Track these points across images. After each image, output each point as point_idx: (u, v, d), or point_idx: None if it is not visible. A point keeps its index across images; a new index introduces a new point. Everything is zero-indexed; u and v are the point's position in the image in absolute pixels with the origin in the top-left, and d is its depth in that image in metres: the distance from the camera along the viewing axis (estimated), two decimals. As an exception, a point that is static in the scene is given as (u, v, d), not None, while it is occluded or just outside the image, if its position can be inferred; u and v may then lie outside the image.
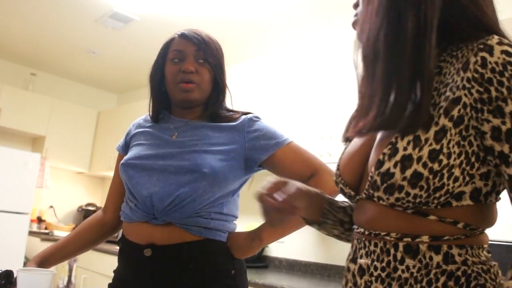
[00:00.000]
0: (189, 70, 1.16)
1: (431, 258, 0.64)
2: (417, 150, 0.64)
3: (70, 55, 4.34)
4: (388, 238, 0.68)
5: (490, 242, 0.71)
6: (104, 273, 3.35)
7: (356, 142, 0.80)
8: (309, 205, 0.85)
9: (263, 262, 3.18)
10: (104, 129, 4.81)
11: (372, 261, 0.69)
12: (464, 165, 0.63)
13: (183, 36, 1.21)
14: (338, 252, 2.82)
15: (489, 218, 0.69)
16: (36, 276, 1.02)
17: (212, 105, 1.24)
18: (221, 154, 1.14)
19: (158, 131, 1.23)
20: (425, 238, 0.65)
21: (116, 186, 1.31)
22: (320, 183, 1.14)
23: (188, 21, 3.29)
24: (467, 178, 0.64)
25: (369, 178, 0.70)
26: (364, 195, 0.73)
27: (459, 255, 0.64)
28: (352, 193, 0.77)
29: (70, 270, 3.79)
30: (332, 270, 2.85)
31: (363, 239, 0.72)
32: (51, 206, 4.82)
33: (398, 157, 0.65)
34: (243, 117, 1.22)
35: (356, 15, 0.83)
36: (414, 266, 0.65)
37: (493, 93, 0.61)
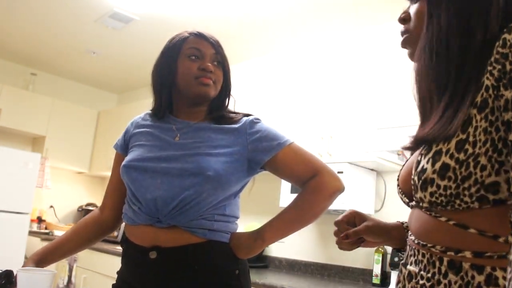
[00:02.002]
0: (210, 69, 1.20)
1: (473, 277, 0.63)
2: (446, 143, 0.65)
3: (70, 55, 4.34)
4: (434, 250, 0.68)
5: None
6: (104, 273, 3.35)
7: (416, 152, 0.81)
8: (388, 238, 0.92)
9: (263, 262, 3.19)
10: (104, 129, 4.82)
11: (420, 270, 0.70)
12: (490, 153, 0.62)
13: (200, 36, 1.24)
14: (338, 252, 2.82)
15: None
16: (36, 276, 1.02)
17: (217, 107, 1.27)
18: (224, 156, 1.15)
19: (160, 131, 1.23)
20: (468, 254, 0.65)
21: (114, 184, 1.31)
22: (321, 184, 1.16)
23: (188, 21, 3.29)
24: (496, 166, 0.62)
25: (412, 181, 0.72)
26: (414, 203, 0.75)
27: (503, 278, 0.62)
28: (407, 200, 0.80)
29: (70, 270, 3.79)
30: (332, 270, 2.85)
31: (414, 247, 0.74)
32: (51, 206, 4.83)
33: (431, 154, 0.67)
34: (244, 119, 1.23)
35: (405, 32, 0.81)
36: (456, 282, 0.65)
37: (508, 67, 0.61)
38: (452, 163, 0.64)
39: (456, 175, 0.64)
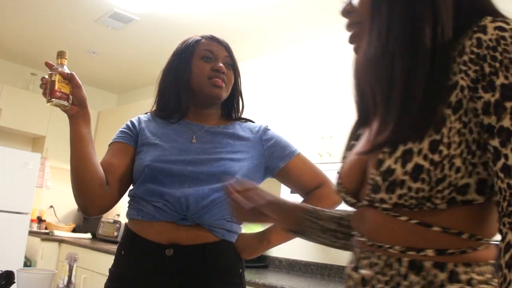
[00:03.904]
0: (223, 70, 1.23)
1: (435, 276, 0.62)
2: (417, 143, 0.62)
3: (70, 55, 4.29)
4: (392, 251, 0.65)
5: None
6: (104, 273, 3.35)
7: (357, 149, 0.78)
8: (285, 217, 0.90)
9: (263, 262, 3.19)
10: (104, 129, 4.82)
11: (376, 273, 0.67)
12: (465, 155, 0.61)
13: (213, 39, 1.28)
14: (338, 252, 2.82)
15: (493, 223, 0.65)
16: (36, 276, 1.02)
17: (229, 111, 1.32)
18: (246, 161, 1.20)
19: (174, 133, 1.23)
20: (430, 252, 0.63)
21: (122, 173, 1.20)
22: (326, 194, 1.23)
23: (188, 21, 3.29)
24: (470, 168, 0.61)
25: (370, 181, 0.67)
26: (365, 202, 0.70)
27: (465, 273, 0.61)
28: (354, 200, 0.75)
29: (70, 270, 3.79)
30: (332, 270, 2.85)
31: (366, 249, 0.70)
32: (51, 206, 4.83)
33: (398, 153, 0.63)
34: (258, 125, 1.30)
35: (351, 25, 0.77)
36: (417, 283, 0.62)
37: (487, 69, 0.60)
38: (426, 164, 0.61)
39: (431, 177, 0.61)
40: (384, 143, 0.66)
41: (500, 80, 0.58)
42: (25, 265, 3.93)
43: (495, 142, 0.59)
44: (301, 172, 1.25)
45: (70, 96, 1.13)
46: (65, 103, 1.12)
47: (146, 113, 1.32)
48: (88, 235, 4.31)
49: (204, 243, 1.12)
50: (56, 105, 1.12)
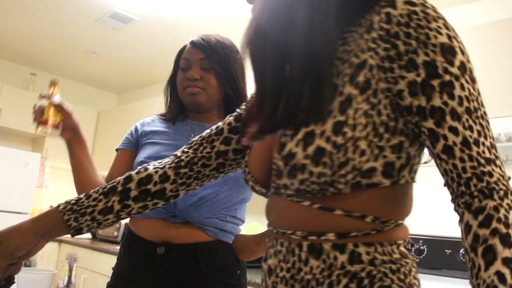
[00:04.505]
0: (192, 77, 1.20)
1: (335, 258, 0.59)
2: (320, 124, 0.58)
3: (70, 55, 4.34)
4: (293, 237, 0.62)
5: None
6: (104, 273, 3.35)
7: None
8: (45, 233, 0.79)
9: (263, 262, 3.18)
10: (104, 129, 4.81)
11: (279, 261, 0.64)
12: (371, 137, 0.57)
13: (192, 43, 1.25)
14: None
15: (403, 205, 0.62)
16: (36, 276, 1.02)
17: (229, 111, 1.26)
18: None
19: (174, 132, 1.24)
20: (331, 236, 0.59)
21: (113, 177, 1.24)
22: None
23: (188, 21, 3.29)
24: (376, 151, 0.57)
25: (273, 166, 0.64)
26: (272, 189, 0.67)
27: (367, 253, 0.58)
28: (264, 190, 0.71)
29: (70, 270, 3.79)
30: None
31: (272, 237, 0.67)
32: (51, 206, 4.80)
33: (300, 135, 0.59)
34: None
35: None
36: (317, 267, 0.59)
37: (402, 47, 0.56)
38: (328, 147, 0.57)
39: (333, 161, 0.57)
40: (280, 123, 0.62)
41: (421, 58, 0.55)
42: (25, 265, 3.93)
43: (430, 124, 0.56)
44: None
45: (61, 124, 1.15)
46: (55, 132, 1.15)
47: (152, 115, 1.34)
48: (88, 235, 4.31)
49: (195, 243, 1.12)
50: (45, 134, 1.14)
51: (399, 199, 0.62)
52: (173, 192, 0.84)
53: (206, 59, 1.21)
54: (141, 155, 1.20)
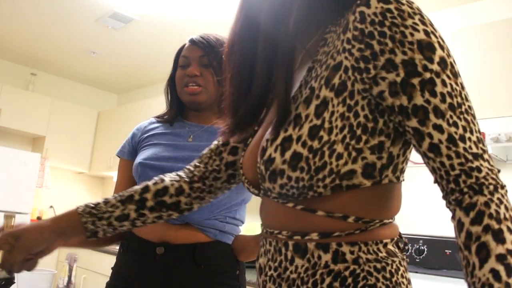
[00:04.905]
0: (192, 74, 1.20)
1: (319, 257, 0.59)
2: (297, 129, 0.58)
3: (70, 55, 4.34)
4: (280, 236, 0.63)
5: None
6: (104, 273, 3.35)
7: (257, 135, 0.73)
8: (62, 234, 0.82)
9: (263, 262, 3.18)
10: (104, 129, 4.81)
11: (268, 260, 0.65)
12: (348, 140, 0.57)
13: (191, 41, 1.25)
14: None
15: (388, 204, 0.62)
16: (36, 276, 1.02)
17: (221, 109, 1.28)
18: None
19: (173, 133, 1.24)
20: (314, 236, 0.60)
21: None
22: None
23: (188, 22, 3.29)
24: (354, 154, 0.57)
25: (257, 170, 0.64)
26: (262, 191, 0.68)
27: (351, 252, 0.58)
28: (256, 191, 0.71)
29: (70, 270, 3.79)
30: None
31: (262, 237, 0.69)
32: (51, 206, 4.82)
33: (278, 140, 0.60)
34: None
35: None
36: (302, 266, 0.60)
37: (376, 47, 0.55)
38: (304, 152, 0.57)
39: (310, 166, 0.57)
40: (242, 121, 0.65)
41: (399, 57, 0.54)
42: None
43: (413, 123, 0.55)
44: None
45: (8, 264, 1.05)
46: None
47: (149, 118, 1.34)
48: (88, 235, 4.31)
49: (194, 243, 1.12)
50: None
51: (383, 199, 0.61)
52: (187, 205, 0.87)
53: (205, 56, 1.21)
54: (140, 157, 1.20)
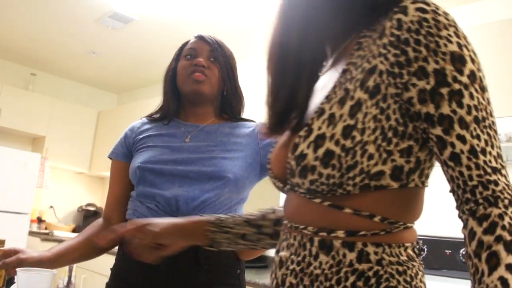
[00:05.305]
0: (201, 63, 1.21)
1: (344, 255, 0.61)
2: (331, 127, 0.60)
3: (70, 55, 4.34)
4: (305, 231, 0.65)
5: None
6: (104, 273, 3.35)
7: (286, 133, 0.76)
8: (188, 235, 0.87)
9: (263, 262, 3.18)
10: (104, 129, 4.81)
11: (291, 254, 0.66)
12: (379, 141, 0.59)
13: (199, 37, 1.27)
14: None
15: (412, 208, 0.64)
16: (36, 276, 1.02)
17: (224, 109, 1.28)
18: (239, 160, 1.18)
19: (168, 134, 1.23)
20: (340, 233, 0.61)
21: (118, 197, 1.26)
22: None
23: (188, 22, 3.29)
24: (384, 155, 0.59)
25: (287, 165, 0.67)
26: (288, 186, 0.70)
27: (375, 253, 0.60)
28: (281, 185, 0.73)
29: (70, 270, 3.79)
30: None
31: (286, 231, 0.70)
32: (51, 206, 4.83)
33: (312, 137, 0.62)
34: (254, 124, 1.27)
35: None
36: (326, 263, 0.61)
37: (411, 54, 0.57)
38: (337, 150, 0.59)
39: (341, 163, 0.59)
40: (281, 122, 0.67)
41: (431, 66, 0.56)
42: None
43: (438, 131, 0.57)
44: None
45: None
46: None
47: (141, 118, 1.33)
48: (88, 235, 4.31)
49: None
50: None
51: (408, 202, 0.63)
52: None
53: (214, 51, 1.24)
54: (138, 160, 1.19)
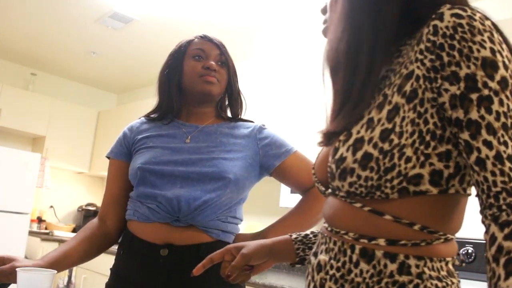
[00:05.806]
0: (214, 67, 1.23)
1: (385, 266, 0.61)
2: (369, 131, 0.62)
3: (70, 55, 4.34)
4: (346, 237, 0.65)
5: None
6: (104, 273, 3.35)
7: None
8: (277, 254, 0.90)
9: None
10: (104, 129, 4.82)
11: (330, 258, 0.67)
12: (417, 145, 0.60)
13: (205, 37, 1.28)
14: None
15: (452, 217, 0.64)
16: (36, 276, 1.02)
17: (224, 110, 1.30)
18: (239, 161, 1.19)
19: (168, 135, 1.23)
20: (381, 241, 0.62)
21: (115, 196, 1.26)
22: (319, 194, 1.20)
23: (187, 22, 3.29)
24: (422, 158, 0.60)
25: (328, 169, 0.68)
26: (330, 190, 0.71)
27: (417, 266, 0.60)
28: (323, 189, 0.75)
29: (70, 270, 3.79)
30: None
31: (326, 234, 0.70)
32: (51, 206, 4.83)
33: (351, 141, 0.64)
34: (253, 124, 1.28)
35: (325, 22, 0.81)
36: (367, 271, 0.62)
37: (445, 59, 0.58)
38: (375, 152, 0.61)
39: (379, 166, 0.60)
40: (335, 132, 0.68)
41: (463, 71, 0.57)
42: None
43: (465, 136, 0.58)
44: (298, 170, 1.23)
45: None
46: None
47: (140, 118, 1.33)
48: (88, 235, 4.31)
49: (198, 244, 1.12)
50: None
51: (448, 210, 0.63)
52: None
53: (223, 55, 1.26)
54: (138, 161, 1.19)
